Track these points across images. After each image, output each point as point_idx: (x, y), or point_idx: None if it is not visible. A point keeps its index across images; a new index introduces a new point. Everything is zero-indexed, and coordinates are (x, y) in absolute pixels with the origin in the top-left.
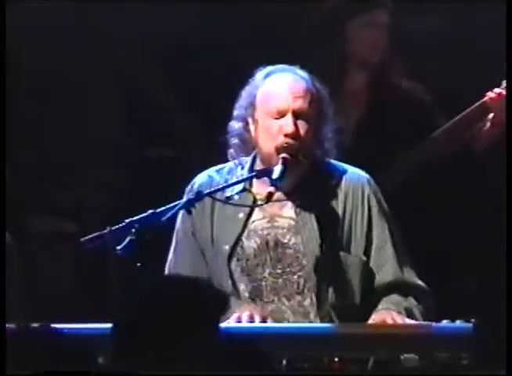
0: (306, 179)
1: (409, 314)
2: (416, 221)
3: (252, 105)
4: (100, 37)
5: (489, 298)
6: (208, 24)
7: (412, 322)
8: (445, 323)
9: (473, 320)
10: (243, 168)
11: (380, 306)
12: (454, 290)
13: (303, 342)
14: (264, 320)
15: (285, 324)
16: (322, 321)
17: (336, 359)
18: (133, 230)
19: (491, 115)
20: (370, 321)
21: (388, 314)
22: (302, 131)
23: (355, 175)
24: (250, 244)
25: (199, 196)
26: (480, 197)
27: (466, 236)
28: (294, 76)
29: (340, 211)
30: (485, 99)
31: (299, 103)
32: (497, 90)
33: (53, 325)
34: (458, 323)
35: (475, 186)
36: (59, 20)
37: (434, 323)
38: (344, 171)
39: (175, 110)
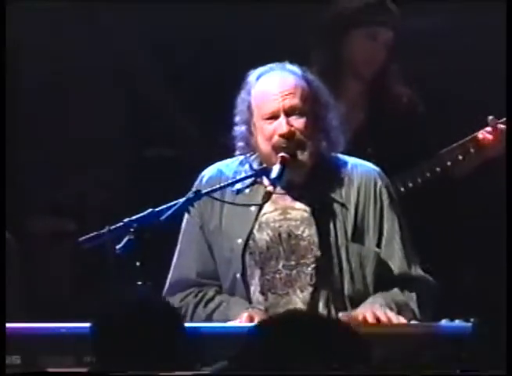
0: (316, 173)
1: (401, 308)
2: (415, 220)
3: (249, 109)
4: (100, 37)
5: (489, 297)
6: (208, 24)
7: (404, 320)
8: (444, 322)
9: (472, 320)
10: (250, 164)
11: (369, 299)
12: (453, 289)
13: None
14: None
15: None
16: (333, 312)
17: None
18: (132, 230)
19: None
20: (351, 313)
21: (370, 309)
22: (298, 129)
23: (366, 167)
24: (262, 236)
25: (198, 195)
26: (481, 197)
27: (466, 236)
28: (283, 73)
29: (353, 204)
30: (476, 134)
31: (289, 101)
32: (488, 129)
33: (53, 325)
34: (457, 322)
35: (474, 186)
36: (59, 20)
37: (433, 323)
38: (355, 164)
39: (175, 110)
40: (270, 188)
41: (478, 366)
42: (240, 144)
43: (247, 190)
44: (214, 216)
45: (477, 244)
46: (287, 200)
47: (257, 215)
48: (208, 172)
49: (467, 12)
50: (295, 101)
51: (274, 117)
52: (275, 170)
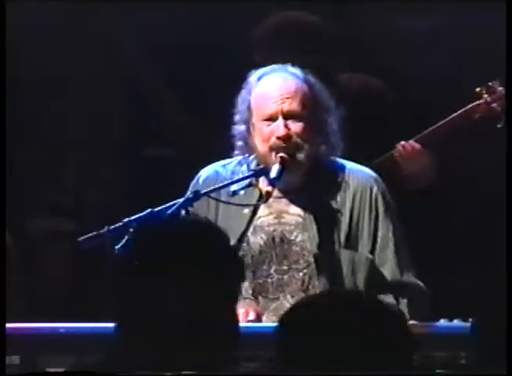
0: (313, 176)
1: None
2: (414, 219)
3: (248, 109)
4: (100, 36)
5: (488, 297)
6: (208, 24)
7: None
8: (443, 322)
9: (471, 319)
10: (248, 165)
11: None
12: (452, 289)
13: None
14: (258, 317)
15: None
16: None
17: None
18: (131, 230)
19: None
20: None
21: None
22: (296, 132)
23: (362, 173)
24: (256, 239)
25: (197, 195)
26: (480, 195)
27: (465, 235)
28: (285, 76)
29: (348, 209)
30: (393, 151)
31: (288, 105)
32: (402, 143)
33: (53, 325)
34: (456, 322)
35: (474, 185)
36: (59, 20)
37: (432, 323)
38: (352, 169)
39: (175, 110)
40: (269, 188)
41: (477, 366)
42: (239, 143)
43: (242, 192)
44: (210, 218)
45: (477, 243)
46: (282, 204)
47: (252, 217)
48: (205, 172)
49: (467, 12)
50: (294, 105)
51: (272, 119)
52: (275, 170)
